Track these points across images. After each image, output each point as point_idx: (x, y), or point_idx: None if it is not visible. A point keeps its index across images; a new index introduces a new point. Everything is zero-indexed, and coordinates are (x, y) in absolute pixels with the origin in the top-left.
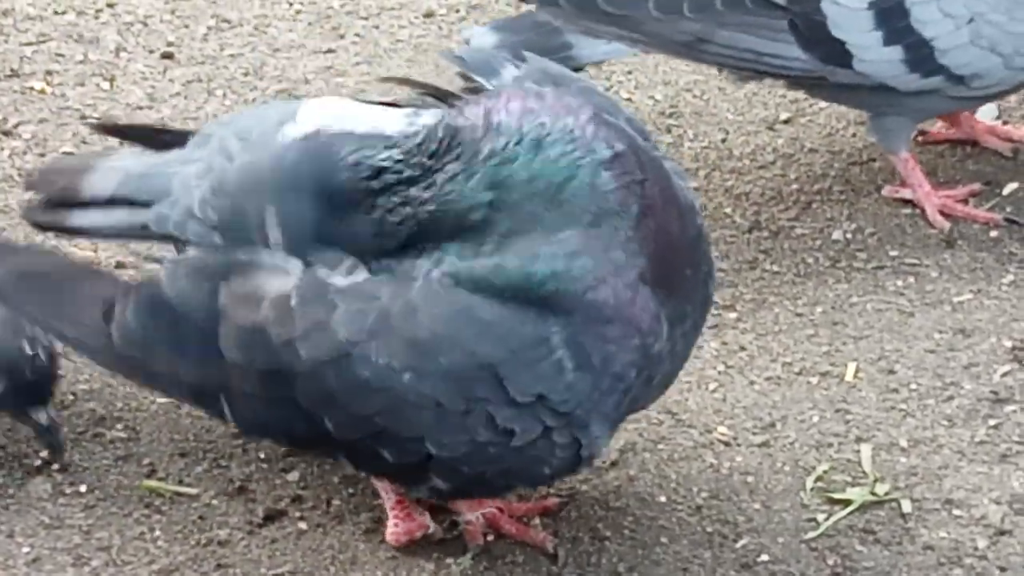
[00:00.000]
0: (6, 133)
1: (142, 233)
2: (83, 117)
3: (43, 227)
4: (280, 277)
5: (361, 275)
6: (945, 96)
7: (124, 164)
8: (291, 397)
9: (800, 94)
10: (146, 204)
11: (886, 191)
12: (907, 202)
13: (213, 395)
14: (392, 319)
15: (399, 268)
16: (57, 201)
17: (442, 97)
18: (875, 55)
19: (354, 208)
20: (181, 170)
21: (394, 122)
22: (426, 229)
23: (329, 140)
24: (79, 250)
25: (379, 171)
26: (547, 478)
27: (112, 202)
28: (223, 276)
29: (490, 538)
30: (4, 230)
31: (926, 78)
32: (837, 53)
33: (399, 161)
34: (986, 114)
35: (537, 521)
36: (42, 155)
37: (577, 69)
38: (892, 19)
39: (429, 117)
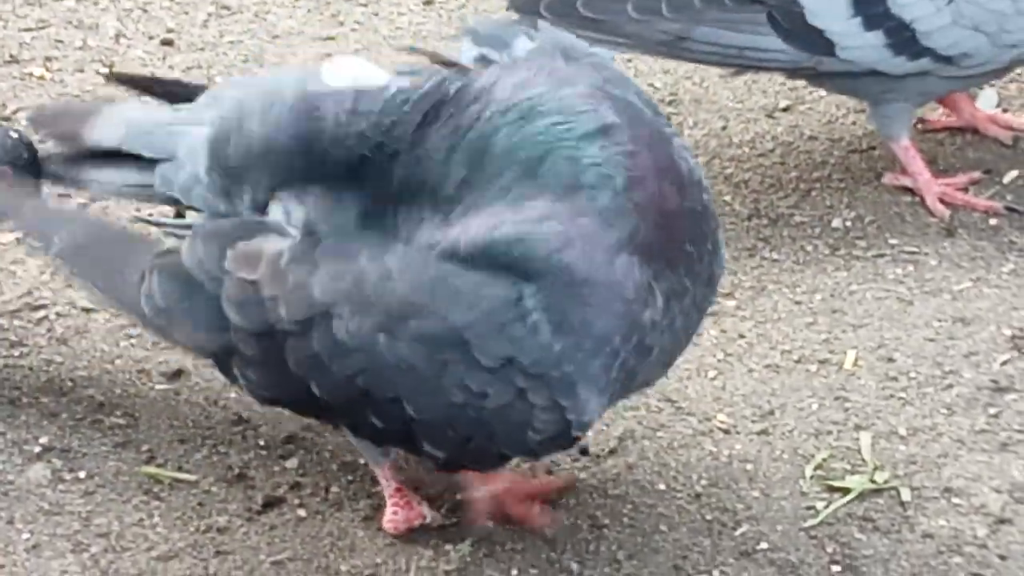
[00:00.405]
0: (5, 119)
1: (145, 193)
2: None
3: (54, 179)
4: (279, 238)
5: (347, 231)
6: (940, 77)
7: (130, 115)
8: (284, 360)
9: (799, 81)
10: (150, 161)
11: (886, 179)
12: (907, 190)
13: (227, 362)
14: (366, 284)
15: (382, 225)
16: (60, 138)
17: (451, 67)
18: (857, 41)
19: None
20: (189, 131)
21: (398, 80)
22: (407, 189)
23: (317, 97)
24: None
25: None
26: (537, 445)
27: (117, 155)
28: (232, 239)
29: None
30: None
31: (914, 61)
32: (819, 42)
33: (389, 114)
34: (987, 102)
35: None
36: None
37: None
38: (870, 5)
39: (431, 78)
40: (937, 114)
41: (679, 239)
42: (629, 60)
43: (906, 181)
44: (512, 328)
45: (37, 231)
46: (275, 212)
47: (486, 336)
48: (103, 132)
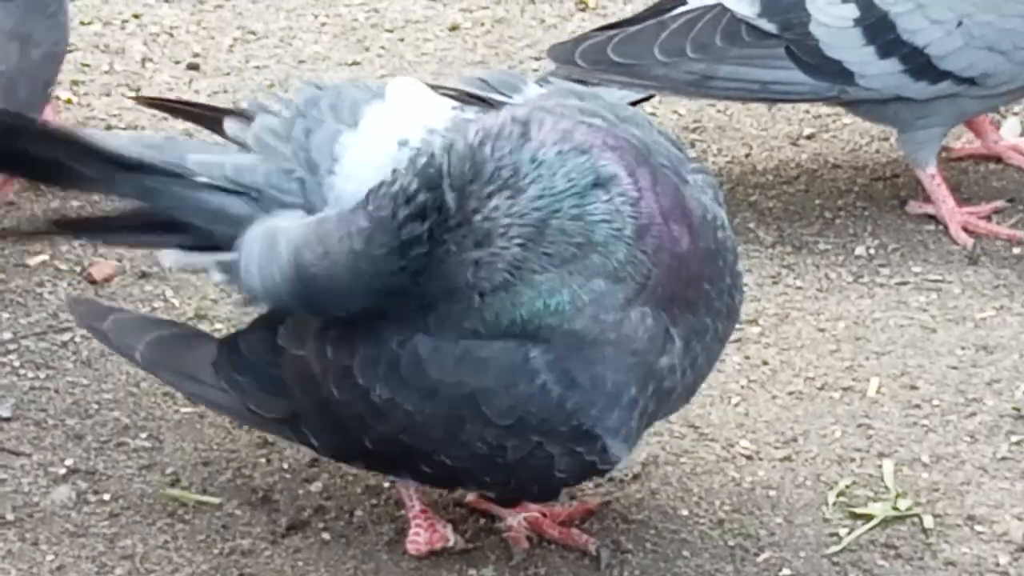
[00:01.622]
0: None
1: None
2: (109, 127)
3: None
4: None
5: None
6: (968, 98)
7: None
8: (341, 424)
9: (823, 109)
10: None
11: (910, 207)
12: (931, 218)
13: (297, 427)
14: (400, 367)
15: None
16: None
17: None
18: (874, 69)
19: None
20: (224, 153)
21: (443, 116)
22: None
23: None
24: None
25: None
26: (567, 482)
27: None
28: (280, 320)
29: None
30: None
31: (935, 84)
32: (838, 73)
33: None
34: (1010, 131)
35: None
36: None
37: None
38: (880, 33)
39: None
40: (960, 142)
41: (696, 279)
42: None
43: (929, 209)
44: (519, 387)
45: (120, 345)
46: None
47: (496, 396)
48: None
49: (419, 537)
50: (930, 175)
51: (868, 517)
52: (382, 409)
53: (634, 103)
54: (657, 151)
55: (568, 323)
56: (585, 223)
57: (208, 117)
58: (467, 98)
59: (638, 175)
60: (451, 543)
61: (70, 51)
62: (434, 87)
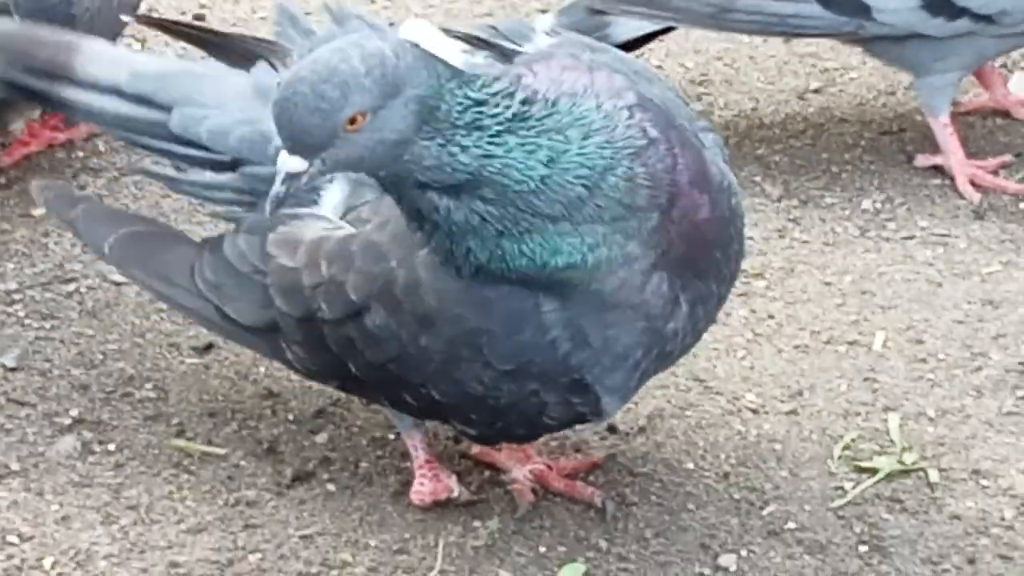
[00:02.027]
0: None
1: (147, 130)
2: None
3: (15, 90)
4: (318, 224)
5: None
6: (988, 37)
7: (130, 57)
8: (325, 343)
9: (830, 64)
10: (164, 107)
11: (918, 160)
12: (937, 170)
13: (275, 341)
14: (396, 288)
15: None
16: (40, 69)
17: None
18: (891, 4)
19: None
20: (221, 80)
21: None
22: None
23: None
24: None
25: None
26: (553, 428)
27: (119, 93)
28: (271, 228)
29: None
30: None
31: (952, 21)
32: (856, 7)
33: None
34: (1018, 85)
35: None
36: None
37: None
38: None
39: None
40: (968, 96)
41: (709, 247)
42: (661, 40)
43: (938, 160)
44: (525, 336)
45: (87, 236)
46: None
47: (500, 341)
48: (100, 71)
49: (423, 487)
50: (943, 123)
51: (873, 471)
52: (374, 334)
53: (651, 35)
54: (676, 111)
55: (597, 283)
56: (633, 184)
57: (218, 45)
58: (477, 42)
59: (671, 139)
60: (455, 494)
61: None
62: (444, 31)
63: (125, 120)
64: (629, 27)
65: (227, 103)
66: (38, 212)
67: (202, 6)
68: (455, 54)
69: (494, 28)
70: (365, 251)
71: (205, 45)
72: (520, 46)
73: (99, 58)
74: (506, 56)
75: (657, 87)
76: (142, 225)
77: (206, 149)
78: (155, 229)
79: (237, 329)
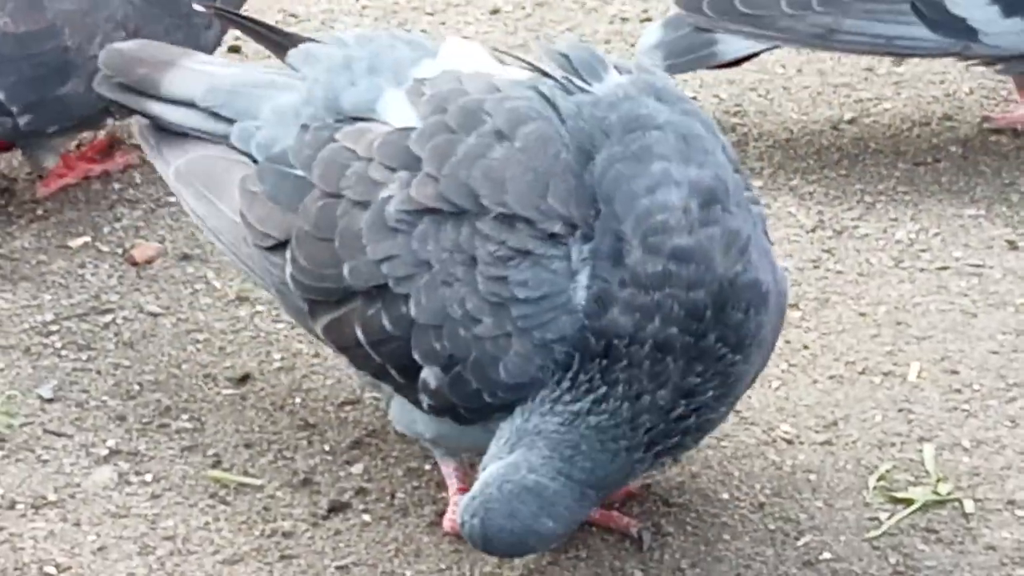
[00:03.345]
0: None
1: (215, 141)
2: None
3: (112, 102)
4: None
5: None
6: None
7: (211, 71)
8: (332, 235)
9: (864, 94)
10: (228, 120)
11: (991, 122)
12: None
13: (282, 250)
14: (455, 158)
15: None
16: (132, 88)
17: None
18: (998, 28)
19: None
20: (274, 95)
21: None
22: None
23: None
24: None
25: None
26: (505, 388)
27: (192, 107)
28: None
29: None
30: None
31: None
32: (962, 29)
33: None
34: None
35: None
36: (111, 142)
37: (722, 65)
38: None
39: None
40: (997, 110)
41: None
42: (695, 71)
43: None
44: (518, 275)
45: (160, 153)
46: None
47: (493, 269)
48: (181, 87)
49: (457, 515)
50: None
51: (909, 501)
52: (382, 222)
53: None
54: (730, 183)
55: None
56: None
57: (278, 43)
58: (534, 70)
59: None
60: None
61: None
62: (498, 51)
63: (198, 134)
64: (735, 46)
65: (277, 117)
66: (75, 243)
67: (237, 38)
68: (495, 68)
69: (566, 58)
70: (432, 136)
71: (270, 43)
72: (589, 85)
73: (184, 74)
74: (568, 91)
75: (713, 158)
76: (215, 151)
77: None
78: (222, 155)
79: (257, 250)
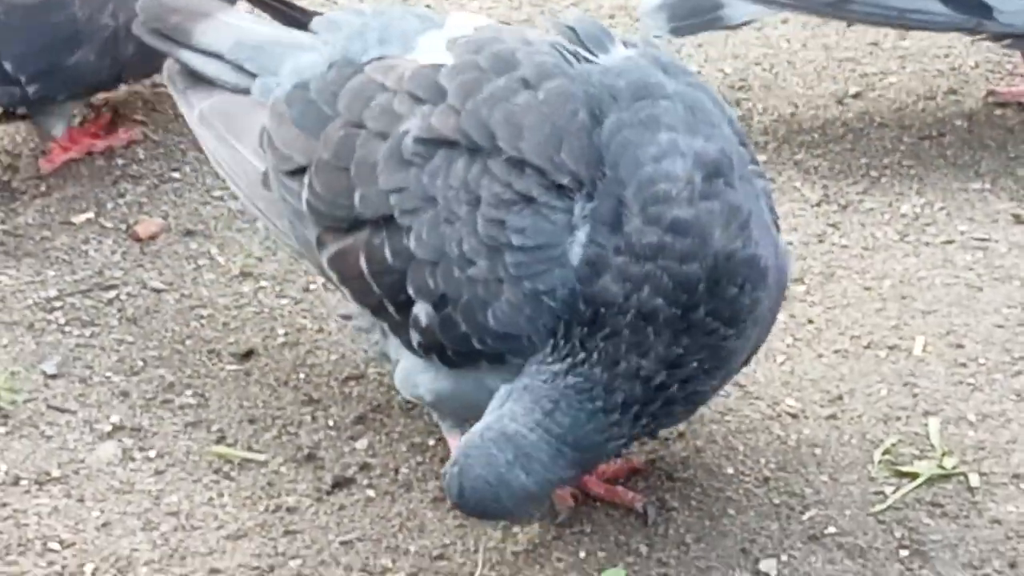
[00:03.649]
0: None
1: (239, 92)
2: (155, 84)
3: (126, 64)
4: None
5: None
6: None
7: (241, 26)
8: (349, 163)
9: (869, 68)
10: (252, 74)
11: (995, 95)
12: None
13: (300, 176)
14: (477, 95)
15: None
16: (166, 34)
17: None
18: (1012, 6)
19: None
20: (297, 54)
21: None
22: None
23: None
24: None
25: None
26: (492, 336)
27: (220, 58)
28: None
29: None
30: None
31: None
32: (976, 6)
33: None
34: None
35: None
36: (113, 119)
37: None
38: None
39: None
40: (1002, 84)
41: None
42: (700, 45)
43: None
44: (518, 221)
45: (185, 97)
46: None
47: (494, 211)
48: (211, 38)
49: None
50: None
51: (914, 475)
52: (397, 154)
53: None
54: (735, 157)
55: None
56: None
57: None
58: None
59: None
60: None
61: None
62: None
63: (223, 84)
64: (742, 11)
65: (296, 75)
66: (78, 219)
67: None
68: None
69: (573, 31)
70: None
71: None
72: (596, 56)
73: (216, 26)
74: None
75: (720, 132)
76: (231, 95)
77: None
78: (241, 99)
79: (275, 181)
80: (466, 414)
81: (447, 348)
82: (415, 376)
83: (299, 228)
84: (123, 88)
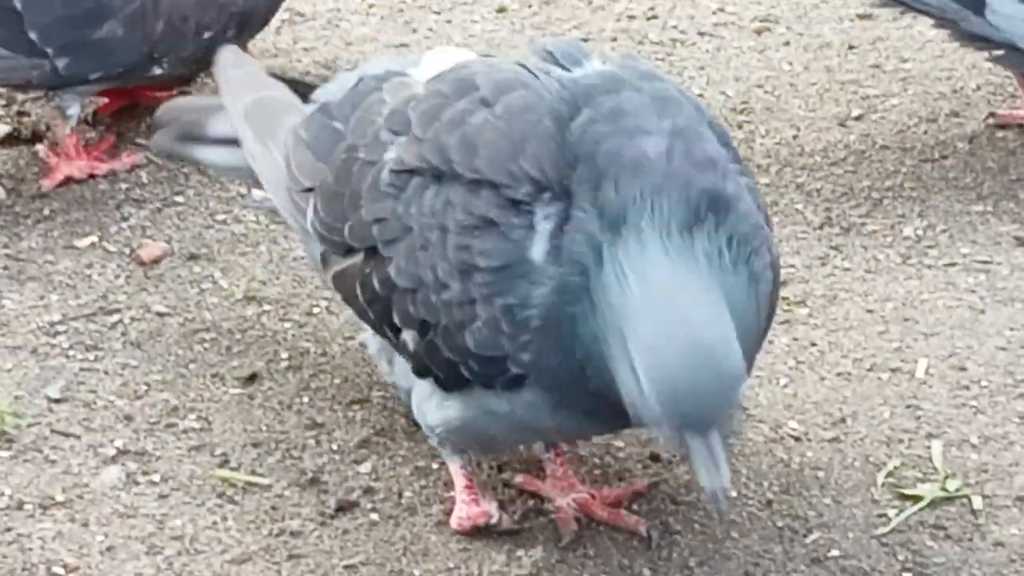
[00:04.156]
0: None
1: (252, 174)
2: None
3: (169, 156)
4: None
5: None
6: None
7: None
8: (342, 193)
9: (871, 91)
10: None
11: (995, 118)
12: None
13: (307, 196)
14: (453, 125)
15: None
16: (183, 135)
17: None
18: (1008, 9)
19: None
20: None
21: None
22: None
23: None
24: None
25: None
26: (472, 357)
27: (233, 142)
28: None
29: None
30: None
31: None
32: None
33: None
34: None
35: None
36: (117, 143)
37: None
38: None
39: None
40: (1004, 107)
41: None
42: (702, 68)
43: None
44: (480, 244)
45: (227, 97)
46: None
47: (475, 250)
48: (222, 126)
49: (462, 512)
50: None
51: (917, 498)
52: (380, 184)
53: None
54: (720, 158)
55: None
56: None
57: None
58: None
59: None
60: (495, 520)
61: None
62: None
63: (237, 170)
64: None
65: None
66: (82, 243)
67: None
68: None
69: (549, 52)
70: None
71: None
72: (572, 71)
73: (225, 115)
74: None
75: (703, 124)
76: (276, 92)
77: None
78: (282, 98)
79: (293, 187)
80: (472, 442)
81: (436, 374)
82: (423, 403)
83: (309, 244)
84: (157, 71)
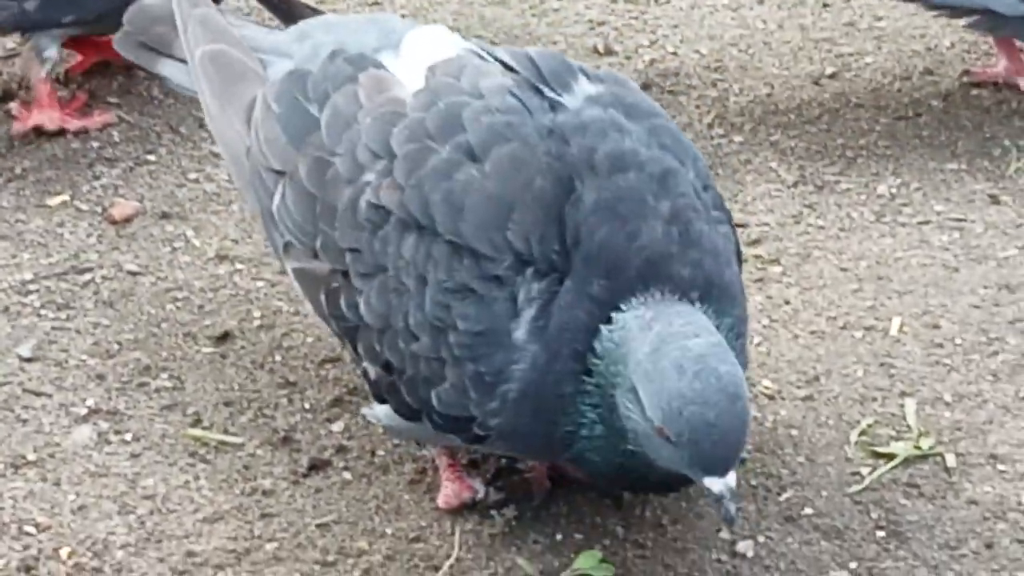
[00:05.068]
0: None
1: None
2: (128, 66)
3: (131, 62)
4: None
5: None
6: None
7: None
8: (314, 196)
9: (845, 49)
10: None
11: (970, 76)
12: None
13: (278, 182)
14: (431, 167)
15: None
16: (149, 46)
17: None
18: None
19: None
20: (273, 61)
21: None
22: None
23: None
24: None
25: None
26: (439, 417)
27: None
28: (368, 65)
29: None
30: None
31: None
32: None
33: None
34: None
35: None
36: (89, 101)
37: None
38: None
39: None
40: (979, 65)
41: None
42: (676, 26)
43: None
44: (461, 307)
45: (184, 37)
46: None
47: (436, 295)
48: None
49: (448, 491)
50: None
51: (890, 456)
52: (359, 209)
53: None
54: (696, 206)
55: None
56: None
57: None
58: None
59: None
60: (480, 494)
61: None
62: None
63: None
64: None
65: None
66: (53, 202)
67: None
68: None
69: (532, 61)
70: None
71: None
72: (559, 95)
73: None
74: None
75: (688, 161)
76: (234, 48)
77: None
78: (240, 57)
79: (256, 173)
80: (422, 442)
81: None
82: (376, 405)
83: (269, 226)
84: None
